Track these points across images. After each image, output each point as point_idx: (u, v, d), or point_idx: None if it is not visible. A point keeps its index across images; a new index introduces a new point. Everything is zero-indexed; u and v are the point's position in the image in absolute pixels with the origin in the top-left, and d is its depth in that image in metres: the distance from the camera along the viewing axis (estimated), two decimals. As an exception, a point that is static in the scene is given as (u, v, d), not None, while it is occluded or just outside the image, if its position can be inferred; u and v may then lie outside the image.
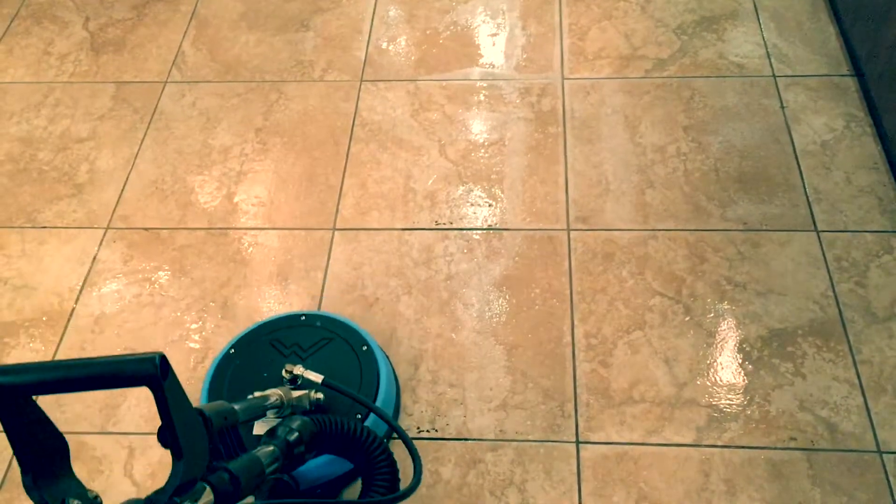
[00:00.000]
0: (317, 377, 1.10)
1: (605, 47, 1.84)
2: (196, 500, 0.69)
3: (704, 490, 1.19)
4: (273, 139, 1.72)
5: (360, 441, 1.01)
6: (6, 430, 0.63)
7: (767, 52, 1.79)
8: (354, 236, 1.54)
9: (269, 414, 1.02)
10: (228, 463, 0.78)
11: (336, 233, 1.55)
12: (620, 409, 1.28)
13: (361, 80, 1.83)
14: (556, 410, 1.29)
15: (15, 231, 1.60)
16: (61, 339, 1.44)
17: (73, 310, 1.48)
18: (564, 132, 1.68)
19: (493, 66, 1.82)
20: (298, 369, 1.11)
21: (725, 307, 1.39)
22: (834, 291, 1.39)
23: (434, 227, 1.54)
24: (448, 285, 1.46)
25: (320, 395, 1.14)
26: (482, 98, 1.76)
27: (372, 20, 1.95)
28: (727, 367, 1.31)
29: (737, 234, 1.48)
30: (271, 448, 0.89)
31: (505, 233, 1.52)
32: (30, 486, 0.63)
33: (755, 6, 1.88)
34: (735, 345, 1.34)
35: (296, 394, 1.09)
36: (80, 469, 1.27)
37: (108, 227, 1.59)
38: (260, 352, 1.25)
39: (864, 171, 1.55)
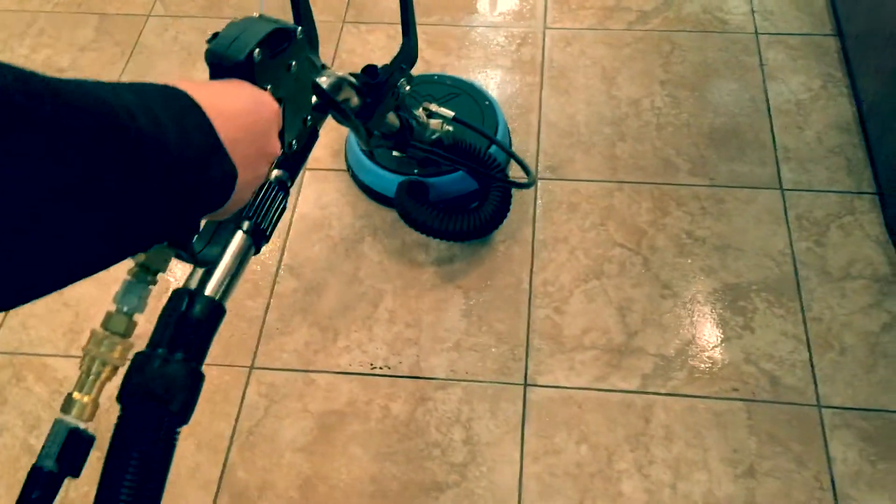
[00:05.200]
0: (449, 112, 1.34)
1: (589, -3, 1.83)
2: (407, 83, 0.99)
3: (643, 435, 1.22)
4: (251, 77, 1.72)
5: (483, 158, 1.34)
6: (292, 2, 0.82)
7: (752, 9, 1.77)
8: (324, 177, 1.56)
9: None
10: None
11: (307, 173, 1.57)
12: (570, 355, 1.31)
13: (343, 22, 1.82)
14: (508, 354, 1.32)
15: (-8, 158, 1.63)
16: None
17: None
18: (541, 82, 1.68)
19: (477, 13, 1.82)
20: (433, 106, 1.34)
21: (683, 260, 1.40)
22: (792, 249, 1.40)
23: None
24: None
25: (450, 129, 1.34)
26: (462, 45, 1.76)
27: (357, -39, 1.94)
28: (679, 319, 1.34)
29: (702, 190, 1.49)
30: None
31: (473, 179, 1.53)
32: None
33: (745, -39, 1.86)
34: (689, 297, 1.36)
35: (432, 122, 1.31)
36: (41, 390, 1.31)
37: (83, 158, 1.61)
38: None
39: (835, 131, 1.55)
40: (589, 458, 1.21)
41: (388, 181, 1.42)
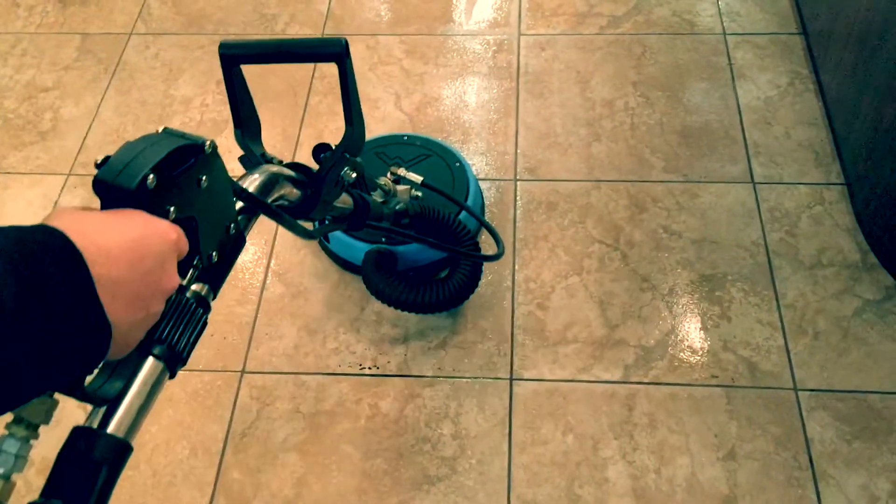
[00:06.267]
0: (417, 177, 1.29)
1: (562, 4, 1.88)
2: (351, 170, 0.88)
3: (627, 423, 1.26)
4: (233, 90, 1.75)
5: (452, 226, 1.27)
6: (228, 90, 0.83)
7: (720, 10, 1.82)
8: (308, 184, 1.59)
9: (376, 195, 1.21)
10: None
11: (291, 181, 1.60)
12: (554, 349, 1.34)
13: (322, 34, 1.86)
14: (493, 350, 1.35)
15: (-21, 177, 1.65)
16: (22, 279, 1.48)
17: (35, 252, 1.52)
18: (517, 87, 1.72)
19: (453, 22, 1.86)
20: (401, 171, 1.29)
21: (660, 254, 1.44)
22: (765, 240, 1.44)
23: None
24: (396, 232, 1.51)
25: (419, 194, 1.29)
26: (440, 53, 1.80)
27: (335, -25, 1.98)
28: (658, 310, 1.37)
29: (676, 186, 1.53)
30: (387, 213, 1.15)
31: (454, 182, 1.57)
32: (239, 137, 0.83)
33: (711, -35, 1.92)
34: (667, 289, 1.40)
35: (400, 188, 1.25)
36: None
37: (69, 174, 1.64)
38: (366, 161, 1.23)
39: (803, 126, 1.60)
40: (575, 447, 1.24)
41: (357, 250, 1.36)
